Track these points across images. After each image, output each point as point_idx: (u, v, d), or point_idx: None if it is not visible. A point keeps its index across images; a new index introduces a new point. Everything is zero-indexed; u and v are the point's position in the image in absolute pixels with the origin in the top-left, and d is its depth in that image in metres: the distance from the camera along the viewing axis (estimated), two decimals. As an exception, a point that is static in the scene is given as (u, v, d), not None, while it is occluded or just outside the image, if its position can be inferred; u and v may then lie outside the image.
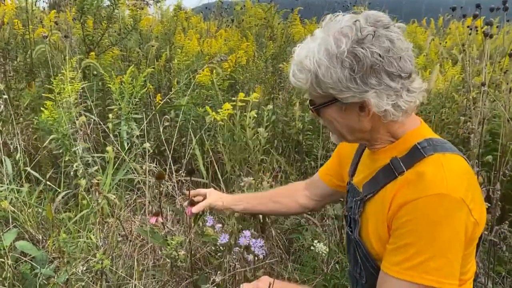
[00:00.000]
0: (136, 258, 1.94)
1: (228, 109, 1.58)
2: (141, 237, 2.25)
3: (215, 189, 1.59)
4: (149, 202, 2.21)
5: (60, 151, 2.02)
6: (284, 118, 3.06)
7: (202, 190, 1.66)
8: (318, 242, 1.94)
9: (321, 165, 3.19)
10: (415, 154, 1.09)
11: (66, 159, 1.97)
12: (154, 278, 2.00)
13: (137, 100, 2.41)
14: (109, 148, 2.19)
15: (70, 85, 2.00)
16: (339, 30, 1.04)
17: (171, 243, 1.56)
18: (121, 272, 1.97)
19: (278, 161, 2.55)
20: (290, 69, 1.13)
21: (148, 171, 2.43)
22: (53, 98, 2.03)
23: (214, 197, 1.56)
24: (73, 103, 2.02)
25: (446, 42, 4.49)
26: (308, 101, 1.19)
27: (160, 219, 1.71)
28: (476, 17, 1.78)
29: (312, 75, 1.06)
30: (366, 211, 1.20)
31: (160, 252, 1.98)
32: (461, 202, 1.00)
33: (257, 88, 1.53)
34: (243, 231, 1.26)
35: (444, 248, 1.00)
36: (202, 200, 1.64)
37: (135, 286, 1.65)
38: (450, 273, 1.01)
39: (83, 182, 1.87)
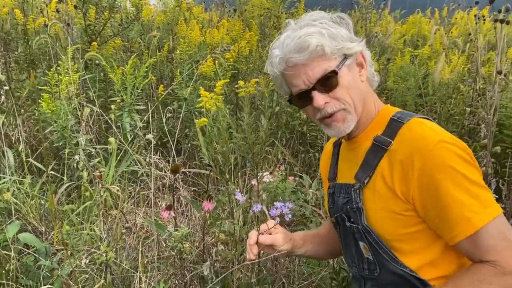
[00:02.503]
0: (140, 250, 1.92)
1: (218, 96, 1.53)
2: (145, 229, 2.24)
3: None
4: (153, 194, 2.20)
5: (60, 143, 2.00)
6: (287, 109, 3.03)
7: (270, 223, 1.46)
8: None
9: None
10: (394, 125, 1.17)
11: (67, 151, 1.94)
12: (159, 270, 1.99)
13: (139, 91, 2.38)
14: (111, 140, 2.16)
15: (67, 76, 1.96)
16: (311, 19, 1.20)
17: (177, 235, 1.54)
18: (125, 265, 1.96)
19: (282, 153, 2.53)
20: (297, 45, 1.15)
21: (151, 163, 2.41)
22: (50, 90, 2.00)
23: (279, 238, 1.34)
24: (73, 94, 1.98)
25: (451, 32, 4.43)
26: (316, 84, 1.16)
27: (172, 213, 1.69)
28: (492, 2, 1.74)
29: (326, 35, 1.14)
30: (365, 197, 1.19)
31: (164, 244, 1.97)
32: (458, 142, 1.10)
33: (260, 78, 1.49)
34: (275, 203, 1.27)
35: (478, 179, 1.08)
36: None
37: (140, 279, 1.63)
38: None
39: (85, 174, 1.85)
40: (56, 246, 2.20)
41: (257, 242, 1.29)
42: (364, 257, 1.26)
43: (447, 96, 2.99)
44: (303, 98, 1.19)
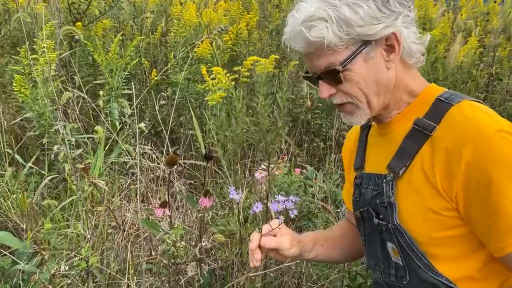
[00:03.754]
0: (129, 250, 1.73)
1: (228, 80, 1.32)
2: (137, 225, 2.04)
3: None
4: (142, 188, 2.00)
5: (37, 132, 1.78)
6: (290, 96, 2.82)
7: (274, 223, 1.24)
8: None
9: (330, 146, 2.98)
10: (440, 106, 0.99)
11: (45, 141, 1.73)
12: (150, 272, 1.79)
13: (126, 73, 2.16)
14: (98, 128, 1.95)
15: (42, 57, 1.73)
16: None
17: (169, 238, 1.35)
18: (113, 267, 1.76)
19: (286, 142, 2.32)
20: (295, 33, 0.99)
21: (143, 154, 2.20)
22: (23, 71, 1.77)
23: (285, 241, 1.16)
24: (50, 76, 1.76)
25: (461, 15, 4.22)
26: (321, 74, 1.00)
27: (167, 211, 1.49)
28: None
29: (334, 21, 0.94)
30: (399, 190, 1.02)
31: (157, 243, 1.77)
32: None
33: (270, 57, 1.28)
34: (276, 196, 1.07)
35: None
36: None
37: (128, 286, 1.44)
38: None
39: (67, 166, 1.64)
40: (38, 245, 2.01)
41: (260, 246, 1.10)
42: (392, 261, 1.08)
43: (462, 81, 2.79)
44: (312, 81, 1.06)
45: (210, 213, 1.44)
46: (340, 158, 2.50)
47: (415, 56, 1.02)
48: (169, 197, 1.48)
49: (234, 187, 1.18)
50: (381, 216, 1.07)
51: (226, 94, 1.28)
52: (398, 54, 0.99)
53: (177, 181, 2.14)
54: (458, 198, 0.92)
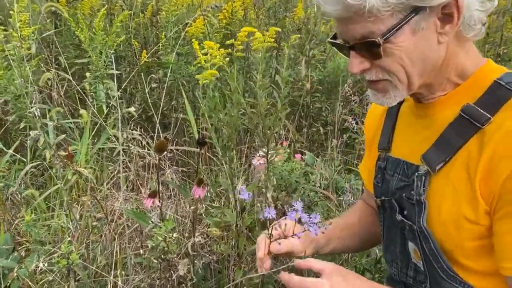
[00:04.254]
0: (117, 243, 1.60)
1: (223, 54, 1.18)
2: (126, 216, 1.91)
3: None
4: (134, 176, 1.86)
5: (13, 116, 1.63)
6: (288, 78, 2.67)
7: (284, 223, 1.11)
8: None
9: (331, 131, 2.85)
10: (498, 92, 0.83)
11: (22, 125, 1.59)
12: (141, 266, 1.67)
13: (113, 52, 2.00)
14: (83, 112, 1.81)
15: (17, 33, 1.57)
16: None
17: (159, 231, 1.22)
18: (100, 261, 1.64)
19: (285, 127, 2.19)
20: None
21: (132, 139, 2.06)
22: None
23: (297, 243, 1.05)
24: (25, 54, 1.60)
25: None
26: (354, 44, 0.83)
27: (157, 201, 1.36)
28: None
29: None
30: (432, 188, 0.87)
31: (147, 235, 1.65)
32: None
33: (270, 29, 1.14)
34: (293, 203, 0.90)
35: None
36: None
37: (114, 284, 1.31)
38: None
39: (48, 153, 1.50)
40: (23, 238, 1.89)
41: (269, 252, 0.97)
42: (412, 261, 0.95)
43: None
44: (340, 49, 0.89)
45: (204, 205, 1.31)
46: (342, 143, 2.38)
47: (475, 28, 0.83)
48: (159, 186, 1.34)
49: (245, 186, 1.00)
50: (405, 213, 0.93)
51: (218, 72, 1.14)
52: (456, 25, 0.81)
53: (169, 169, 2.01)
54: (492, 205, 0.80)
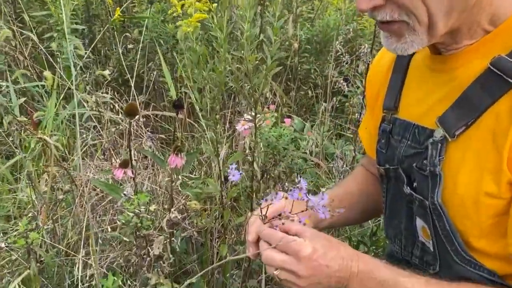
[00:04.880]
0: (87, 216, 1.46)
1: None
2: (100, 188, 1.76)
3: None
4: (106, 145, 1.70)
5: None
6: (274, 37, 2.48)
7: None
8: (323, 188, 1.49)
9: (322, 95, 2.70)
10: None
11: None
12: (116, 241, 1.54)
13: (75, 3, 1.78)
14: (47, 74, 1.62)
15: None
16: None
17: (131, 206, 1.07)
18: (70, 236, 1.50)
19: (272, 90, 2.03)
20: None
21: (103, 103, 1.88)
22: None
23: (295, 224, 0.90)
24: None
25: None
26: None
27: (129, 171, 1.21)
28: None
29: None
30: (449, 156, 0.74)
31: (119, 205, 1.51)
32: None
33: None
34: (298, 181, 0.76)
35: None
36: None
37: (84, 263, 1.18)
38: None
39: (5, 119, 1.32)
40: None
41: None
42: (419, 240, 0.83)
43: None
44: None
45: (183, 175, 1.17)
46: (332, 107, 2.23)
47: None
48: (132, 155, 1.19)
49: (235, 165, 0.85)
50: (415, 185, 0.79)
51: (205, 17, 0.96)
52: None
53: (145, 136, 1.85)
54: None
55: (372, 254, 1.19)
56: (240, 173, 0.83)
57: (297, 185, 0.74)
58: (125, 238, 1.00)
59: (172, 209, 1.03)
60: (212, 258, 1.48)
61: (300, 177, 0.79)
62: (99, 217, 1.68)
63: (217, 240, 1.44)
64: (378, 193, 0.97)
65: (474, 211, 0.71)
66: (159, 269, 1.19)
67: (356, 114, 2.29)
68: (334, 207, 0.96)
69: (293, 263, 0.74)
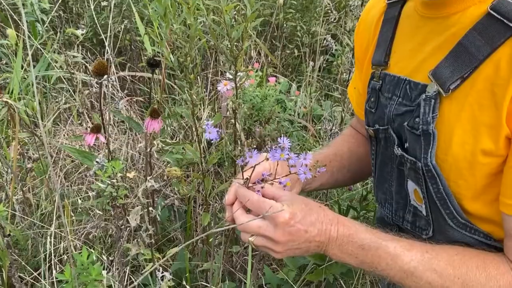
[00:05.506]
0: (61, 186, 1.37)
1: None
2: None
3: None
4: (78, 109, 1.58)
5: None
6: (258, -7, 2.34)
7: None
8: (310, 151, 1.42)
9: (308, 54, 2.59)
10: None
11: None
12: (94, 211, 1.46)
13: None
14: (10, 31, 1.47)
15: None
16: None
17: (105, 174, 0.99)
18: (44, 207, 1.41)
19: (256, 49, 1.91)
20: None
21: (75, 64, 1.75)
22: None
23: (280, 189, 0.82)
24: None
25: None
26: None
27: (101, 137, 1.12)
28: None
29: None
30: (443, 114, 0.68)
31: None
32: None
33: None
34: (280, 139, 0.70)
35: None
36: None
37: (55, 236, 1.10)
38: None
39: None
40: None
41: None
42: (410, 204, 0.78)
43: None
44: None
45: (160, 139, 1.08)
46: (319, 67, 2.14)
47: None
48: (103, 119, 1.09)
49: (211, 121, 0.77)
50: (406, 146, 0.74)
51: None
52: None
53: (122, 99, 1.73)
54: None
55: (362, 219, 1.14)
56: (218, 130, 0.76)
57: (279, 145, 0.69)
58: (98, 211, 0.92)
59: (148, 178, 0.94)
60: (196, 226, 1.42)
61: (283, 136, 0.71)
62: (75, 186, 1.59)
63: (201, 207, 1.38)
64: (368, 154, 0.92)
65: (469, 171, 0.66)
66: (139, 240, 1.12)
67: (344, 73, 2.20)
68: (322, 174, 0.91)
69: (270, 228, 0.69)
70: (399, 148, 0.75)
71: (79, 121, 1.78)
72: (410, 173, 0.74)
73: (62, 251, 1.13)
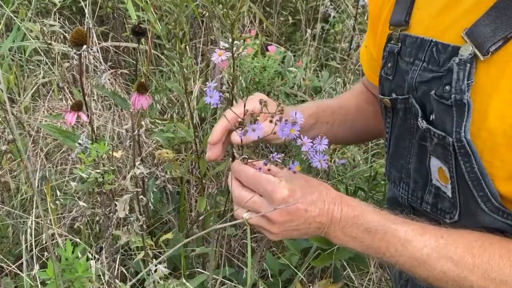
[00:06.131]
0: (39, 166, 1.26)
1: None
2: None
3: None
4: (58, 83, 1.45)
5: None
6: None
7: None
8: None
9: (306, 22, 2.45)
10: None
11: None
12: (79, 195, 1.36)
13: None
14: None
15: None
16: None
17: (88, 158, 0.88)
18: (24, 191, 1.30)
19: (249, 16, 1.78)
20: None
21: (53, 34, 1.60)
22: None
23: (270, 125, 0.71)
24: None
25: None
26: None
27: (83, 115, 1.01)
28: None
29: None
30: (479, 80, 0.59)
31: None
32: None
33: None
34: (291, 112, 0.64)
35: None
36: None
37: (36, 225, 1.00)
38: None
39: None
40: None
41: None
42: (432, 184, 0.69)
43: None
44: None
45: (147, 120, 0.97)
46: (315, 35, 2.01)
47: None
48: (85, 95, 0.97)
49: (213, 83, 0.68)
50: (432, 118, 0.64)
51: None
52: None
53: (105, 72, 1.59)
54: None
55: (371, 201, 1.06)
56: (221, 95, 0.68)
57: (291, 118, 0.63)
58: (81, 203, 0.82)
59: (137, 163, 0.84)
60: (190, 207, 1.33)
61: (293, 111, 0.64)
62: (59, 166, 1.48)
63: (195, 188, 1.28)
64: (376, 116, 0.84)
65: (507, 149, 0.57)
66: (128, 227, 1.03)
67: (342, 43, 2.09)
68: (325, 119, 0.84)
69: (266, 205, 0.63)
70: (423, 121, 0.65)
71: (60, 97, 1.64)
72: (436, 150, 0.65)
73: (45, 241, 1.03)
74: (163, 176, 1.39)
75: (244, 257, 1.19)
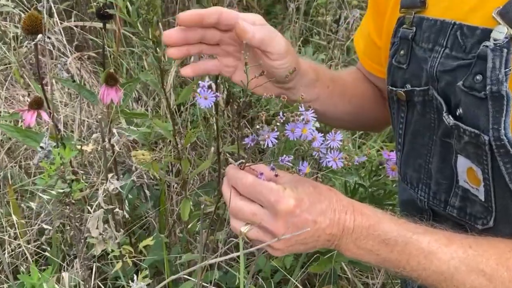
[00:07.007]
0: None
1: None
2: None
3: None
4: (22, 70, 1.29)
5: None
6: None
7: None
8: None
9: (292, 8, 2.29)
10: None
11: None
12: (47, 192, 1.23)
13: None
14: None
15: None
16: None
17: (51, 168, 0.75)
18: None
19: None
20: None
21: (6, 14, 1.42)
22: None
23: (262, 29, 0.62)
24: None
25: None
26: None
27: (44, 114, 0.88)
28: None
29: None
30: None
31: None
32: None
33: None
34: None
35: None
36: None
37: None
38: None
39: None
40: None
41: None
42: (458, 186, 0.61)
43: None
44: None
45: (120, 109, 0.85)
46: (297, 8, 1.88)
47: None
48: (44, 89, 0.84)
49: (207, 81, 0.59)
50: (459, 113, 0.56)
51: None
52: None
53: (72, 55, 1.43)
54: None
55: (369, 200, 0.97)
56: (216, 94, 0.60)
57: (302, 117, 0.56)
58: (49, 206, 0.70)
59: (110, 177, 0.72)
60: (172, 206, 1.22)
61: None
62: (24, 162, 1.34)
63: (176, 186, 1.17)
64: (375, 102, 0.81)
65: None
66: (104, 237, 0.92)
67: (326, 16, 1.96)
68: (325, 83, 0.75)
69: (268, 218, 0.54)
70: (449, 116, 0.57)
71: (24, 87, 1.48)
72: (466, 148, 0.57)
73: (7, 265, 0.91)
74: (139, 169, 1.27)
75: (232, 260, 1.10)
